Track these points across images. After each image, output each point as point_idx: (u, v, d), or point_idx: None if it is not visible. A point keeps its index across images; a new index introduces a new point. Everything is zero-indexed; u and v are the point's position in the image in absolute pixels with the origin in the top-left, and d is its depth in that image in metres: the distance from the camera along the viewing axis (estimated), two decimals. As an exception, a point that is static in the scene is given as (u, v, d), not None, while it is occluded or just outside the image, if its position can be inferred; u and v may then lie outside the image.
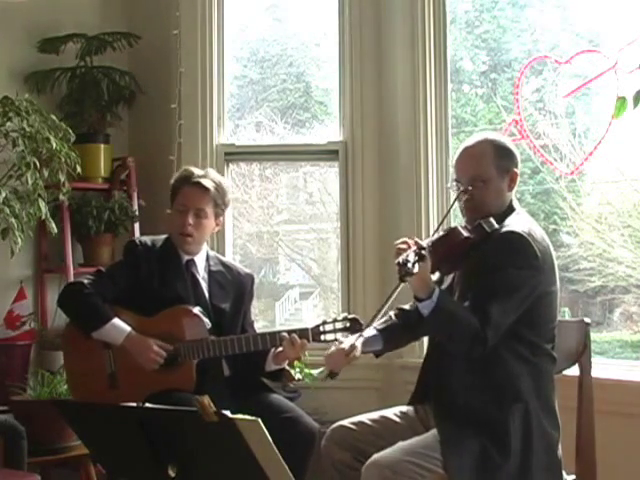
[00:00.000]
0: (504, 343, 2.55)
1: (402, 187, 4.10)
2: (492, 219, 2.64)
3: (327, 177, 4.60)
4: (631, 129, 3.63)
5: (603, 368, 3.43)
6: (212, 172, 3.41)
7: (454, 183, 2.74)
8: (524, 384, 2.57)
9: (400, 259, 2.41)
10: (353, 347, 2.75)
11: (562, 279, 4.22)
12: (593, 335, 2.93)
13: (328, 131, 4.47)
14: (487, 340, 2.48)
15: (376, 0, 4.18)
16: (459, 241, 2.61)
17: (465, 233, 2.62)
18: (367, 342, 2.86)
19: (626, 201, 4.02)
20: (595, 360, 2.90)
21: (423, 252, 2.45)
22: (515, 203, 2.75)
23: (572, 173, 3.83)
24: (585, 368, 2.81)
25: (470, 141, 2.77)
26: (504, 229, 2.60)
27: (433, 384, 2.72)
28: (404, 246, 2.54)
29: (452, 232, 2.64)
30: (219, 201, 3.34)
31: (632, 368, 3.58)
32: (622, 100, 3.37)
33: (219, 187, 3.34)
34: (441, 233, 2.67)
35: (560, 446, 2.62)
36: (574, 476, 2.72)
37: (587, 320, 2.87)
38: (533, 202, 4.23)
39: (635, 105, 3.24)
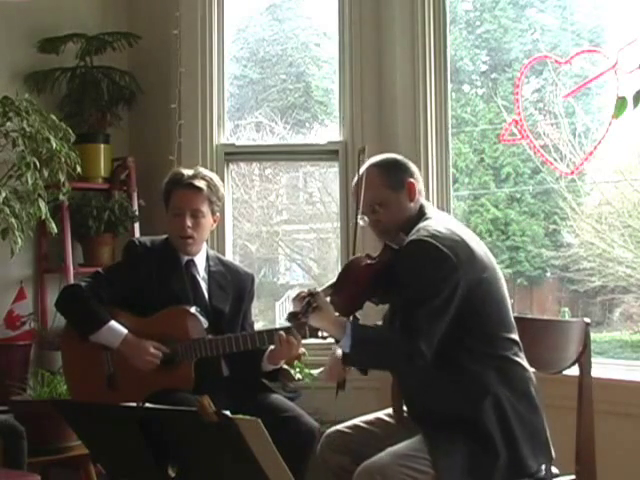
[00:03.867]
0: (455, 342, 2.52)
1: (402, 187, 4.09)
2: (402, 234, 2.63)
3: (327, 177, 4.60)
4: (631, 129, 3.63)
5: (603, 368, 3.43)
6: (202, 170, 3.40)
7: (360, 216, 2.71)
8: (487, 376, 2.53)
9: (287, 314, 2.46)
10: None
11: (562, 279, 4.24)
12: (593, 335, 2.92)
13: (328, 131, 4.47)
14: (423, 352, 2.44)
15: (376, 0, 4.18)
16: (362, 269, 2.59)
17: (366, 261, 2.60)
18: None
19: (626, 201, 4.03)
20: (595, 360, 2.90)
21: (311, 299, 2.44)
22: (427, 209, 2.72)
23: (572, 173, 3.83)
24: (585, 368, 2.80)
25: (357, 174, 2.76)
26: (405, 241, 2.58)
27: (404, 396, 2.73)
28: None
29: (351, 264, 2.62)
30: (213, 198, 3.33)
31: (632, 368, 3.58)
32: (622, 100, 3.36)
33: (211, 184, 3.33)
34: (342, 269, 2.65)
35: (547, 428, 2.59)
36: (574, 476, 2.72)
37: (587, 320, 2.86)
38: (533, 202, 4.24)
39: (635, 105, 3.23)
